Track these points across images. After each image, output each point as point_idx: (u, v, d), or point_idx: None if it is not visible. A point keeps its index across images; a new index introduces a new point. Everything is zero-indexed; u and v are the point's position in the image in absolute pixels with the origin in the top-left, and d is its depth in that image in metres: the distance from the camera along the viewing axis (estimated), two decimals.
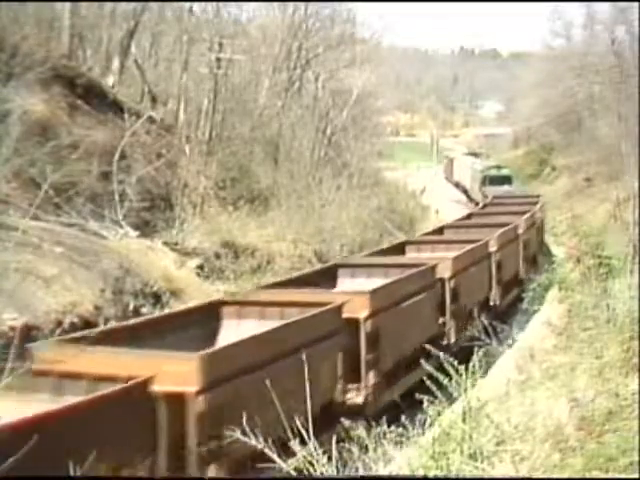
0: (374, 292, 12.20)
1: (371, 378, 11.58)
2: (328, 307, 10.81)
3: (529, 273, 22.58)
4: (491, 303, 18.81)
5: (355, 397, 10.61)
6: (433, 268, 15.03)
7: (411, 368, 12.53)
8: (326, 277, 15.02)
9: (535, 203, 28.66)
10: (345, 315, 11.00)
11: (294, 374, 8.65)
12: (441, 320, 15.32)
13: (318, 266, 17.82)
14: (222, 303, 11.76)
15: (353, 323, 11.31)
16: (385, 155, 50.83)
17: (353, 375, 10.68)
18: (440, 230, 23.34)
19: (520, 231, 22.84)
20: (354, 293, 12.49)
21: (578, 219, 31.54)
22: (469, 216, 27.25)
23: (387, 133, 62.11)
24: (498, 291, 19.42)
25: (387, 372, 12.31)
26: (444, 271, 15.51)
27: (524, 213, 24.99)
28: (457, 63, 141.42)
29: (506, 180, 45.02)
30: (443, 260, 15.84)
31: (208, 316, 11.25)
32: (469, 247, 17.88)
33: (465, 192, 52.34)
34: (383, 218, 33.91)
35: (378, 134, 47.46)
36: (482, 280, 18.55)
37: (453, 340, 15.15)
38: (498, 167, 48.98)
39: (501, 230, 20.83)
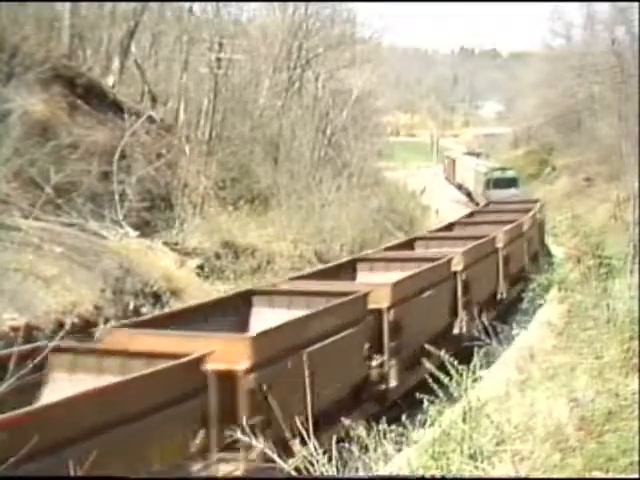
0: (258, 336, 9.29)
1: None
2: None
3: (512, 292, 20.43)
4: (455, 331, 15.95)
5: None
6: (365, 297, 12.11)
7: (331, 423, 9.75)
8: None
9: (529, 210, 25.77)
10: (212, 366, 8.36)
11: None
12: (378, 360, 12.48)
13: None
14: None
15: (229, 378, 8.65)
16: (385, 155, 50.80)
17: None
18: (410, 243, 20.25)
19: (500, 244, 19.93)
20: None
21: (578, 219, 31.42)
22: (450, 226, 23.94)
23: (387, 133, 62.11)
24: (465, 317, 16.29)
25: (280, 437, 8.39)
26: (381, 300, 12.64)
27: (509, 222, 22.09)
28: (457, 63, 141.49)
29: (512, 183, 43.07)
30: (380, 287, 12.92)
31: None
32: (424, 267, 15.11)
33: (469, 195, 51.32)
34: (383, 218, 33.94)
35: (378, 134, 47.44)
36: (441, 306, 15.52)
37: (395, 384, 12.51)
38: (503, 169, 47.24)
39: (471, 244, 18.06)
